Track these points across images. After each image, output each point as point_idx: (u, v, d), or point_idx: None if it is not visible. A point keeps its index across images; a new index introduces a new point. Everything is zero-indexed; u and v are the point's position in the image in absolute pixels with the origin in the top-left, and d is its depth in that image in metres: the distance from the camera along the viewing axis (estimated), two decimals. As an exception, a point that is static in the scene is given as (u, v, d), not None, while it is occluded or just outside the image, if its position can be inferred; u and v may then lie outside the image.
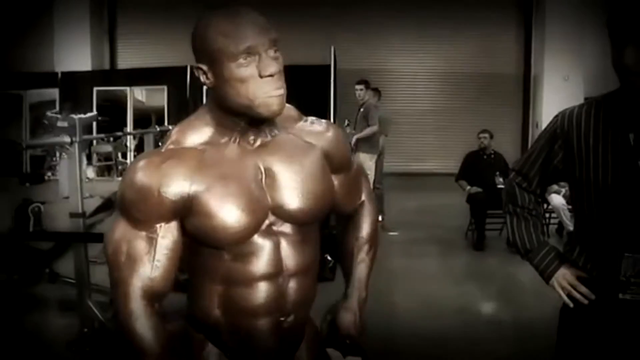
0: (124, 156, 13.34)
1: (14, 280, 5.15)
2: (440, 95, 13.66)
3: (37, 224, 5.66)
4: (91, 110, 12.83)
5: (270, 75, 1.40)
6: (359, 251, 1.80)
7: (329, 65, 9.64)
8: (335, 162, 1.64)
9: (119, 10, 14.16)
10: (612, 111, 1.80)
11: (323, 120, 1.68)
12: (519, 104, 13.80)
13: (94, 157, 13.05)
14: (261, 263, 1.49)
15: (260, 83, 1.40)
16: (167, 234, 1.44)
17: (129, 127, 12.93)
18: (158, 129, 7.24)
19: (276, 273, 1.51)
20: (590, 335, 1.88)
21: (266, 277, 1.50)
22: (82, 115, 10.13)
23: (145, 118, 12.94)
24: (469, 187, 7.32)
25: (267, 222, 1.49)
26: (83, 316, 4.08)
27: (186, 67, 12.87)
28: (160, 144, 6.33)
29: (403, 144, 12.07)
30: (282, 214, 1.51)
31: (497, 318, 4.73)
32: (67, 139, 3.98)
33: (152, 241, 1.43)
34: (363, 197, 1.82)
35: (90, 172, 12.25)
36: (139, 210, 1.42)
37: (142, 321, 1.46)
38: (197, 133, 1.49)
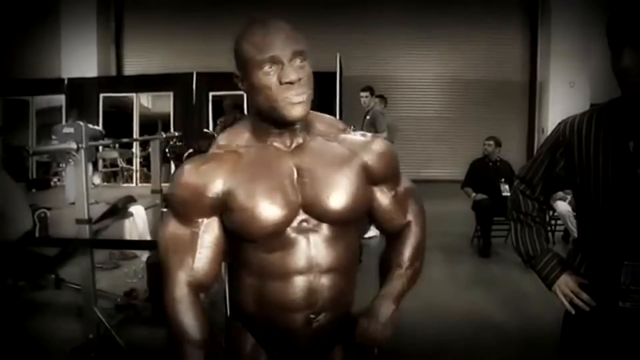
0: (130, 162, 13.37)
1: (19, 286, 5.15)
2: (445, 102, 13.67)
3: (43, 230, 5.68)
4: (97, 118, 12.91)
5: (290, 83, 1.49)
6: (398, 268, 1.76)
7: (335, 73, 9.65)
8: (377, 175, 1.68)
9: (126, 16, 14.22)
10: (613, 118, 1.80)
11: (370, 134, 1.76)
12: (525, 110, 13.79)
13: (100, 163, 13.09)
14: (292, 258, 1.58)
15: (282, 89, 1.50)
16: (208, 229, 1.59)
17: (135, 134, 12.96)
18: (164, 135, 7.25)
19: (307, 269, 1.59)
20: (591, 342, 1.88)
21: (297, 272, 1.59)
22: (90, 125, 10.18)
23: (152, 124, 12.97)
24: (474, 194, 7.30)
25: (299, 219, 1.58)
26: (88, 322, 4.08)
27: (192, 73, 12.92)
28: (166, 150, 6.33)
29: (409, 150, 12.06)
30: (313, 212, 1.59)
31: (502, 325, 4.70)
32: (74, 145, 3.99)
33: (194, 235, 1.58)
34: (409, 218, 1.80)
35: (96, 179, 12.31)
36: (183, 207, 1.58)
37: (185, 308, 1.58)
38: (238, 137, 1.64)
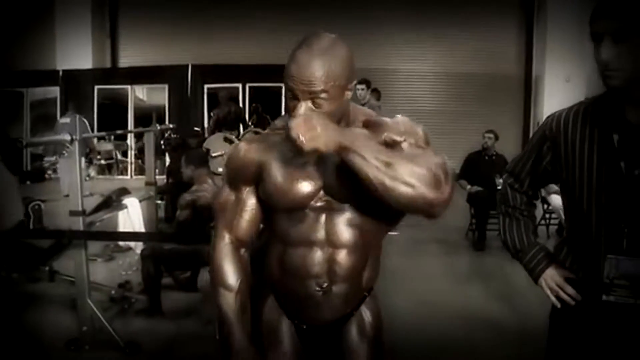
0: (125, 154, 13.34)
1: (13, 278, 5.14)
2: (440, 96, 13.65)
3: (37, 222, 5.67)
4: (92, 110, 12.88)
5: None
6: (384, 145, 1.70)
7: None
8: (396, 142, 1.73)
9: (121, 8, 14.14)
10: (598, 113, 1.81)
11: (398, 116, 1.83)
12: (521, 105, 13.79)
13: (95, 155, 13.04)
14: (310, 230, 1.78)
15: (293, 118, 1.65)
16: (250, 195, 1.86)
17: (130, 126, 12.93)
18: (159, 127, 7.23)
19: (322, 242, 1.78)
20: (577, 336, 1.89)
21: (314, 243, 1.79)
22: (85, 121, 10.12)
23: (146, 116, 12.94)
24: (469, 187, 7.31)
25: (320, 197, 1.78)
26: (82, 315, 4.08)
27: (187, 65, 12.88)
28: (161, 142, 6.32)
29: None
30: (332, 193, 1.77)
31: (497, 318, 4.71)
32: (67, 137, 3.98)
33: (239, 200, 1.87)
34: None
35: (92, 171, 12.28)
36: (233, 176, 1.88)
37: (225, 258, 1.86)
38: (284, 122, 1.75)
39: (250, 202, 1.86)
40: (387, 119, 1.81)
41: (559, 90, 12.30)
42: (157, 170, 6.85)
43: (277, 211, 1.82)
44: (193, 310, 4.75)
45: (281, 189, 1.76)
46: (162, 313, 4.62)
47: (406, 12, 13.22)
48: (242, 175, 1.85)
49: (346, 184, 1.69)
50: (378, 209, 1.70)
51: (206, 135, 10.32)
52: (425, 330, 4.42)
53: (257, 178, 1.82)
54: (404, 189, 1.57)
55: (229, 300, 1.82)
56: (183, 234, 4.76)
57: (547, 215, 7.51)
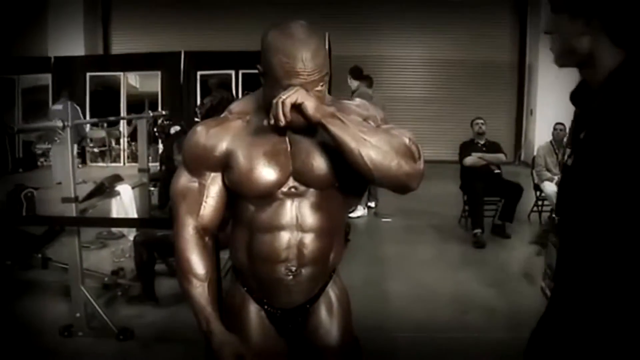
0: (118, 142, 13.30)
1: (6, 265, 5.13)
2: (434, 83, 13.66)
3: (30, 209, 5.65)
4: (84, 97, 12.81)
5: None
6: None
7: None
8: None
9: (113, -6, 14.09)
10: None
11: (356, 99, 1.95)
12: (514, 91, 13.81)
13: (88, 142, 13.01)
14: (279, 216, 1.79)
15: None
16: (214, 182, 1.82)
17: (123, 113, 12.88)
18: (151, 114, 7.20)
19: (290, 227, 1.80)
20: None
21: (281, 228, 1.79)
22: (78, 107, 10.06)
23: (139, 103, 12.90)
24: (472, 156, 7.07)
25: (289, 184, 1.79)
26: (75, 301, 4.07)
27: (180, 52, 12.83)
28: (155, 130, 6.30)
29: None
30: (301, 179, 1.79)
31: (490, 304, 4.74)
32: (59, 124, 3.95)
33: (202, 187, 1.82)
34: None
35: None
36: (194, 162, 1.82)
37: (191, 248, 1.81)
38: (247, 107, 1.85)
39: (214, 188, 1.82)
40: (349, 102, 1.91)
41: (553, 77, 12.28)
42: (150, 157, 6.83)
43: (244, 198, 1.81)
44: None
45: (250, 176, 1.75)
46: (155, 299, 4.62)
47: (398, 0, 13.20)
48: (205, 162, 1.80)
49: (313, 167, 1.77)
50: (344, 191, 1.85)
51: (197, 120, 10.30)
52: (418, 315, 4.44)
53: (222, 165, 1.80)
54: (385, 160, 1.69)
55: (201, 290, 1.78)
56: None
57: (540, 202, 7.53)
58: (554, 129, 7.61)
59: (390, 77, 13.05)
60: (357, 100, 1.94)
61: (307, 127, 1.72)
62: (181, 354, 3.85)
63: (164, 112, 8.35)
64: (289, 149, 1.78)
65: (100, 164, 12.92)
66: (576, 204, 1.49)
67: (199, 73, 12.85)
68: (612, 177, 1.34)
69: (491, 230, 6.98)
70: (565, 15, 1.53)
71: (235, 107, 1.88)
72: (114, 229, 6.39)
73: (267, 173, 1.75)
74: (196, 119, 10.70)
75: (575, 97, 1.68)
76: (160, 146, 9.48)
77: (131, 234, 5.68)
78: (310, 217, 1.81)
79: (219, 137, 1.79)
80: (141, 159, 6.34)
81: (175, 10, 13.44)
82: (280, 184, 1.77)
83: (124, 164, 12.87)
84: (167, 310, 4.51)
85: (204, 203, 1.82)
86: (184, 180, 1.84)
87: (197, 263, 1.80)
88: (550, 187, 7.05)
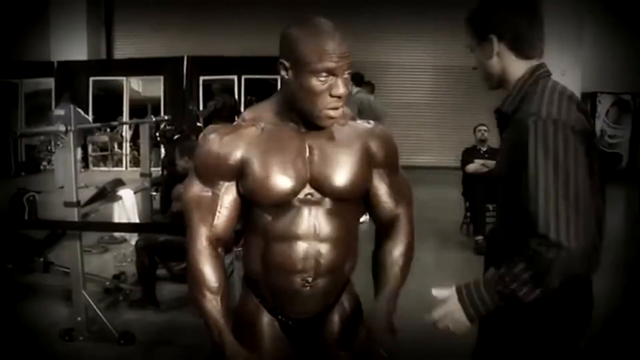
0: (120, 146, 13.32)
1: (8, 269, 5.14)
2: (436, 89, 13.67)
3: (32, 213, 5.66)
4: (87, 101, 12.84)
5: (338, 97, 1.68)
6: (393, 265, 1.92)
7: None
8: (377, 159, 1.87)
9: (116, -1, 14.12)
10: None
11: (373, 122, 1.96)
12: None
13: (90, 147, 13.04)
14: (295, 225, 1.77)
15: (327, 99, 1.68)
16: (228, 191, 1.78)
17: (125, 117, 12.90)
18: (154, 119, 7.21)
19: (307, 236, 1.78)
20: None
21: (298, 237, 1.77)
22: (80, 112, 10.13)
23: (142, 108, 12.92)
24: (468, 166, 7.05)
25: (305, 192, 1.77)
26: (77, 305, 4.08)
27: (183, 57, 12.85)
28: (157, 134, 6.29)
29: (398, 136, 11.92)
30: (319, 187, 1.78)
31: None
32: (62, 128, 3.97)
33: (216, 196, 1.78)
34: (400, 210, 1.94)
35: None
36: (207, 171, 1.78)
37: (204, 260, 1.77)
38: (261, 113, 1.82)
39: (228, 198, 1.79)
40: (369, 126, 1.91)
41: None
42: (152, 162, 6.84)
43: (259, 206, 1.78)
44: (187, 301, 4.75)
45: (266, 183, 1.73)
46: (156, 304, 4.63)
47: (400, 5, 13.21)
48: (219, 171, 1.77)
49: (331, 175, 1.77)
50: (357, 198, 1.88)
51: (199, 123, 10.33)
52: (418, 321, 4.43)
53: (236, 174, 1.76)
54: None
55: (215, 303, 1.76)
56: (178, 226, 4.75)
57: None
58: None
59: (392, 83, 13.06)
60: (378, 128, 1.92)
61: (326, 133, 1.77)
62: (182, 358, 3.85)
63: (166, 117, 8.37)
64: (307, 155, 1.77)
65: (103, 169, 12.93)
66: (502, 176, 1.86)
67: (201, 78, 12.87)
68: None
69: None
70: (475, 41, 1.91)
71: (248, 114, 1.85)
72: (115, 234, 6.40)
73: (283, 180, 1.73)
74: (198, 124, 10.75)
75: (498, 111, 2.00)
76: (163, 151, 9.49)
77: (133, 238, 5.69)
78: (327, 226, 1.79)
79: (233, 145, 1.76)
80: (143, 163, 6.35)
81: (178, 15, 13.46)
82: (296, 191, 1.75)
83: (126, 168, 12.88)
84: (168, 314, 4.52)
85: (217, 213, 1.78)
86: (197, 189, 1.80)
87: (211, 275, 1.76)
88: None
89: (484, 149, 7.26)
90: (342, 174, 1.78)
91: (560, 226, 1.58)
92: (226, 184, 1.78)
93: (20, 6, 12.89)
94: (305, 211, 1.78)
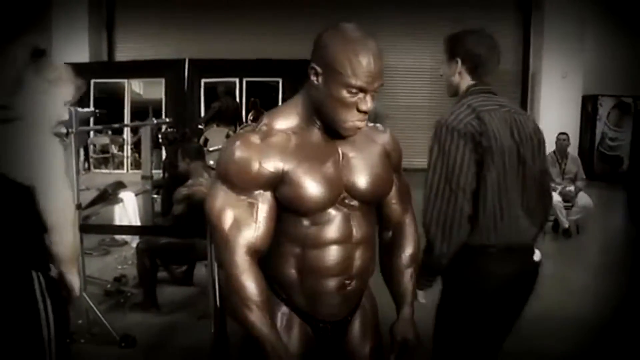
0: (121, 149, 13.32)
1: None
2: (436, 91, 13.62)
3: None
4: (88, 104, 12.83)
5: (365, 112, 1.71)
6: (407, 269, 2.01)
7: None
8: (394, 162, 1.96)
9: (118, 1, 14.11)
10: None
11: (381, 126, 2.01)
12: (517, 101, 13.75)
13: (91, 148, 13.03)
14: (334, 230, 1.79)
15: (354, 113, 1.70)
16: (266, 200, 1.73)
17: (126, 120, 12.90)
18: (155, 122, 7.22)
19: (346, 239, 1.80)
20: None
21: (338, 242, 1.79)
22: (80, 109, 10.10)
23: (143, 110, 12.90)
24: None
25: (341, 196, 1.79)
26: (78, 308, 4.08)
27: (184, 59, 12.85)
28: (158, 136, 6.26)
29: (399, 139, 12.04)
30: (354, 192, 1.81)
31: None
32: (63, 130, 3.97)
33: (253, 206, 1.72)
34: (406, 217, 2.04)
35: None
36: (242, 180, 1.70)
37: (247, 273, 1.70)
38: (286, 119, 1.79)
39: (267, 207, 1.72)
40: (382, 130, 1.99)
41: (556, 87, 12.33)
42: (153, 164, 6.84)
43: (296, 214, 1.75)
44: (189, 304, 4.75)
45: (307, 193, 1.72)
46: (157, 307, 4.62)
47: (399, 7, 13.20)
48: (255, 179, 1.70)
49: (364, 180, 1.82)
50: (381, 199, 1.95)
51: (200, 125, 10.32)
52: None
53: (275, 182, 1.71)
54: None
55: (264, 319, 1.70)
56: (179, 228, 4.76)
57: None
58: (557, 139, 7.63)
59: (392, 86, 13.03)
60: (388, 133, 1.99)
61: (350, 138, 1.79)
62: (183, 361, 3.85)
63: (167, 120, 8.37)
64: (340, 161, 1.80)
65: (104, 171, 12.93)
66: None
67: (203, 80, 12.86)
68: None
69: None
70: (446, 57, 2.41)
71: (271, 119, 1.78)
72: (116, 236, 6.40)
73: (323, 188, 1.73)
74: (200, 126, 10.77)
75: None
76: (164, 153, 9.49)
77: (134, 241, 5.69)
78: (360, 230, 1.82)
79: (269, 152, 1.71)
80: (144, 166, 6.36)
81: (180, 17, 13.46)
82: (335, 198, 1.77)
83: (127, 170, 12.87)
84: (169, 317, 4.51)
85: (256, 224, 1.71)
86: (229, 199, 1.72)
87: (255, 289, 1.69)
88: (554, 198, 7.04)
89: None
90: (374, 178, 1.83)
91: (432, 227, 2.19)
92: (263, 192, 1.72)
93: (22, 8, 12.90)
94: (342, 216, 1.79)
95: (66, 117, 2.43)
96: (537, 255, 2.34)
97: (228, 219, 1.70)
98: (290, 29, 12.47)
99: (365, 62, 1.64)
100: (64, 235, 2.13)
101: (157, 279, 4.76)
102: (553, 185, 7.05)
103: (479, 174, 2.16)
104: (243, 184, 1.71)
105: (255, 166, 1.69)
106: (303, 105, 1.79)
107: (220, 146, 7.36)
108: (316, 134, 1.79)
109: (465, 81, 2.38)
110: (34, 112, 2.14)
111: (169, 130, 8.24)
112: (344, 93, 1.66)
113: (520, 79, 13.71)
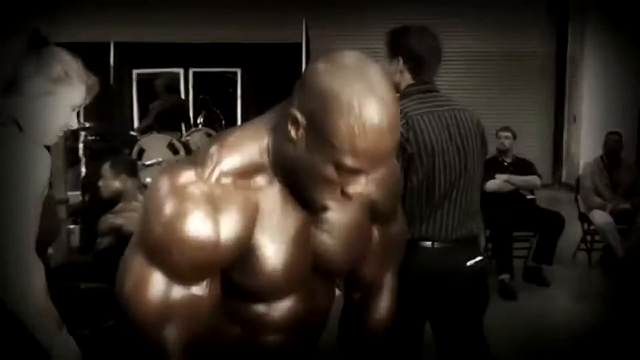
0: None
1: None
2: (448, 82, 13.68)
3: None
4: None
5: (350, 198, 1.55)
6: (367, 340, 2.03)
7: (300, 44, 9.70)
8: (378, 207, 1.83)
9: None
10: None
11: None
12: (551, 92, 13.79)
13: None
14: (292, 312, 1.72)
15: (336, 193, 1.53)
16: (215, 291, 1.60)
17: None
18: (70, 127, 7.18)
19: (299, 325, 1.75)
20: None
21: (295, 326, 1.74)
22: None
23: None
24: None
25: (306, 272, 1.70)
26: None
27: (109, 43, 12.82)
28: (80, 147, 6.20)
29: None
30: (324, 266, 1.74)
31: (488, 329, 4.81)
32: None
33: (200, 300, 1.57)
34: (383, 275, 2.00)
35: None
36: (189, 261, 1.51)
37: None
38: (246, 159, 1.58)
39: (214, 299, 1.61)
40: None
41: (602, 74, 12.26)
42: (67, 185, 6.79)
43: (248, 297, 1.67)
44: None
45: (272, 271, 1.61)
46: None
47: (400, 6, 13.31)
48: (210, 261, 1.54)
49: (338, 253, 1.74)
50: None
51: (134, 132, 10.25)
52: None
53: (232, 260, 1.57)
54: None
55: None
56: (104, 268, 4.73)
57: (589, 237, 7.43)
58: (606, 139, 7.56)
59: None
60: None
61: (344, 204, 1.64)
62: None
63: (87, 125, 8.30)
64: (311, 229, 1.68)
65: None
66: None
67: (134, 71, 12.82)
68: None
69: (523, 275, 6.95)
70: (388, 54, 2.97)
71: (225, 158, 1.56)
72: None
73: (291, 267, 1.62)
74: (132, 132, 10.70)
75: None
76: (83, 169, 9.41)
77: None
78: (324, 297, 1.86)
79: (234, 222, 1.53)
80: (57, 187, 6.31)
81: (176, 30, 13.29)
82: (304, 274, 1.69)
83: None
84: None
85: (198, 320, 1.60)
86: (161, 289, 1.54)
87: None
88: (601, 217, 7.00)
89: (508, 160, 7.14)
90: (349, 248, 1.75)
91: None
92: (214, 279, 1.59)
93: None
94: (303, 293, 1.73)
95: (74, 125, 2.43)
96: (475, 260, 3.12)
97: (164, 320, 1.56)
98: (264, 14, 12.40)
99: (374, 137, 1.41)
100: None
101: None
102: (601, 201, 7.04)
103: (405, 178, 2.66)
104: (188, 267, 1.53)
105: (212, 247, 1.51)
106: (268, 144, 1.60)
107: (159, 159, 7.34)
108: (284, 189, 1.61)
109: (406, 80, 2.94)
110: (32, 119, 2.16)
111: (90, 138, 8.19)
112: (331, 170, 1.47)
113: (555, 63, 13.68)
